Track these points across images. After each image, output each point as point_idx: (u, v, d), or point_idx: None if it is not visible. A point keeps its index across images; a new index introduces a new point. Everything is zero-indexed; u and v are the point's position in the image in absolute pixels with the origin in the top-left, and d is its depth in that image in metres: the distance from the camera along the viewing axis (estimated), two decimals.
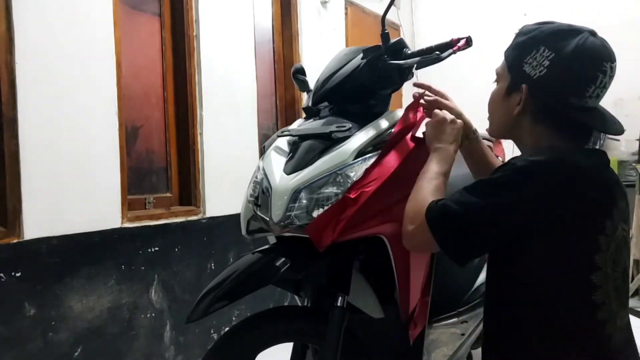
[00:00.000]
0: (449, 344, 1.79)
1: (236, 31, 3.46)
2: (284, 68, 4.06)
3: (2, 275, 2.18)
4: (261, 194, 1.49)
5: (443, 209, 1.18)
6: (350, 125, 1.50)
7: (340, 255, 1.49)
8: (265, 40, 3.91)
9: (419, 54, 1.57)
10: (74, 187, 2.45)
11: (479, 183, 1.19)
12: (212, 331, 3.16)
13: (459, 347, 1.81)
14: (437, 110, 1.48)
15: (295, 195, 1.42)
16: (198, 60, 3.18)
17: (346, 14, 4.68)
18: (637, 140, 4.62)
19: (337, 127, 1.49)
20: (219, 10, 3.32)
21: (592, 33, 1.19)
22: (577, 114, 1.18)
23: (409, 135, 1.53)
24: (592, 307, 1.12)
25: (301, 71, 1.77)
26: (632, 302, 4.01)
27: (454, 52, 1.51)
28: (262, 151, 1.62)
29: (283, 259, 1.43)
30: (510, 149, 1.67)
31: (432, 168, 1.34)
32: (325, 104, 1.64)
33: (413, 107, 1.58)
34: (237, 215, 1.63)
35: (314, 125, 1.56)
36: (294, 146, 1.52)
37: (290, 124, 1.76)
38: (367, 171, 1.43)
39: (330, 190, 1.42)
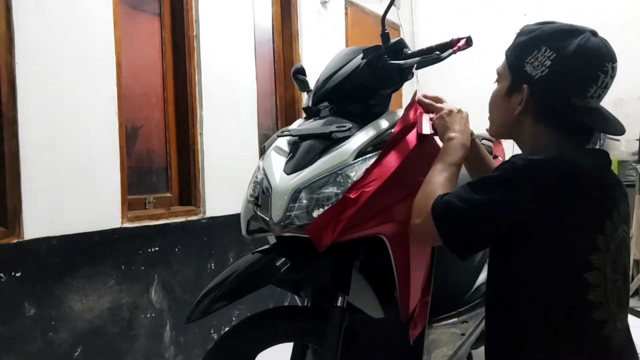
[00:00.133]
0: (449, 344, 1.79)
1: (236, 31, 3.46)
2: (284, 68, 4.06)
3: (2, 275, 2.18)
4: (261, 194, 1.49)
5: (447, 205, 1.20)
6: (351, 125, 1.50)
7: (340, 255, 1.49)
8: (265, 40, 3.91)
9: (419, 54, 1.57)
10: (74, 187, 2.45)
11: (482, 180, 1.20)
12: (212, 331, 3.16)
13: (459, 347, 1.81)
14: (440, 105, 1.49)
15: (295, 195, 1.42)
16: (198, 60, 3.18)
17: (346, 14, 4.68)
18: (637, 140, 4.62)
19: (337, 127, 1.49)
20: (219, 10, 3.32)
21: (594, 33, 1.19)
22: (578, 115, 1.18)
23: (410, 135, 1.53)
24: (588, 306, 1.12)
25: (301, 71, 1.77)
26: (632, 302, 4.01)
27: (454, 52, 1.51)
28: (262, 151, 1.62)
29: (283, 259, 1.43)
30: (510, 149, 1.67)
31: (444, 159, 1.36)
32: (326, 104, 1.64)
33: (411, 107, 1.58)
34: (237, 215, 1.63)
35: (314, 125, 1.56)
36: (294, 146, 1.52)
37: (290, 124, 1.76)
38: (368, 171, 1.43)
39: (331, 190, 1.42)
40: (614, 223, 1.15)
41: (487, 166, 1.60)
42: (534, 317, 1.15)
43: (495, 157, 2.15)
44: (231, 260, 3.26)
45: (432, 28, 5.44)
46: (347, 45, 4.48)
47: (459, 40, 1.50)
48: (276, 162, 1.50)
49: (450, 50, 1.50)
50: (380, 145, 1.49)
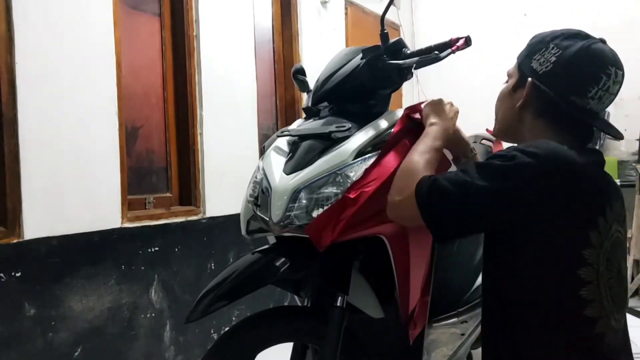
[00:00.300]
0: (449, 344, 1.79)
1: (236, 31, 3.46)
2: (284, 68, 4.06)
3: (2, 275, 2.18)
4: (261, 194, 1.49)
5: (434, 184, 1.19)
6: (350, 125, 1.50)
7: (340, 255, 1.49)
8: (265, 40, 3.91)
9: (418, 53, 1.58)
10: (74, 187, 2.45)
11: (474, 166, 1.19)
12: (212, 331, 3.16)
13: (459, 347, 1.81)
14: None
15: (295, 195, 1.42)
16: (198, 60, 3.18)
17: (346, 14, 4.68)
18: (637, 140, 4.62)
19: (336, 127, 1.49)
20: (219, 10, 3.32)
21: (603, 41, 1.23)
22: (577, 113, 1.20)
23: (409, 135, 1.53)
24: (580, 302, 1.12)
25: (301, 71, 1.77)
26: (632, 302, 4.01)
27: (453, 52, 1.51)
28: (262, 151, 1.62)
29: (283, 259, 1.43)
30: None
31: (426, 142, 1.36)
32: (325, 104, 1.64)
33: (412, 109, 1.59)
34: (237, 215, 1.63)
35: (313, 125, 1.56)
36: (293, 146, 1.52)
37: (290, 124, 1.76)
38: (367, 171, 1.43)
39: (330, 190, 1.42)
40: (607, 221, 1.15)
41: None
42: (528, 314, 1.15)
43: None
44: (231, 260, 3.26)
45: (432, 28, 5.44)
46: (347, 45, 4.48)
47: (457, 39, 1.50)
48: (276, 162, 1.50)
49: (449, 50, 1.51)
50: (379, 145, 1.49)
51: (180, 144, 3.16)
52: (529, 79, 1.24)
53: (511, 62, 1.37)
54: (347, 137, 1.48)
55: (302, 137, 1.52)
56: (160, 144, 3.11)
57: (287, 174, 1.45)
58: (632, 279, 4.09)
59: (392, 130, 1.52)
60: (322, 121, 1.57)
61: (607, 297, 1.14)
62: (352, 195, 1.39)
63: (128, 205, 2.73)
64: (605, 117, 4.90)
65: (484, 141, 2.08)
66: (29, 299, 2.26)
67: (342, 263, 1.51)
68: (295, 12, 4.06)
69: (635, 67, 4.74)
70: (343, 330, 1.46)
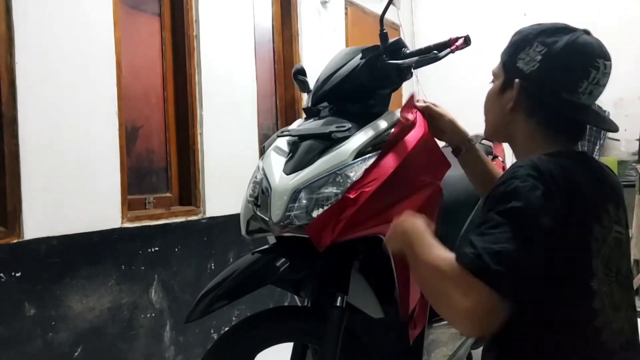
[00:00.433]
0: (449, 344, 1.79)
1: (236, 31, 3.46)
2: (284, 68, 4.06)
3: (2, 275, 2.18)
4: (261, 194, 1.49)
5: (487, 253, 1.01)
6: (350, 126, 1.50)
7: (340, 255, 1.49)
8: (265, 40, 3.91)
9: (418, 53, 1.58)
10: (74, 187, 2.45)
11: (496, 217, 1.07)
12: (212, 331, 3.16)
13: (459, 347, 1.81)
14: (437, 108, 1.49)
15: (294, 195, 1.42)
16: (198, 60, 3.18)
17: (346, 14, 4.68)
18: (637, 140, 4.62)
19: (336, 127, 1.49)
20: (219, 10, 3.32)
21: (587, 32, 1.19)
22: (568, 110, 1.18)
23: (409, 136, 1.53)
24: (591, 313, 1.10)
25: (302, 72, 1.77)
26: None
27: (452, 52, 1.51)
28: (262, 151, 1.62)
29: (283, 259, 1.44)
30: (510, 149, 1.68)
31: (415, 249, 1.16)
32: (325, 104, 1.64)
33: (408, 107, 1.59)
34: (237, 215, 1.63)
35: (313, 126, 1.56)
36: (293, 146, 1.52)
37: (290, 124, 1.76)
38: (367, 171, 1.43)
39: (330, 190, 1.42)
40: (603, 228, 1.13)
41: (491, 174, 1.60)
42: (528, 315, 1.13)
43: (495, 157, 2.15)
44: (231, 260, 3.26)
45: (432, 28, 5.44)
46: (347, 45, 4.48)
47: (457, 39, 1.50)
48: (276, 162, 1.50)
49: (448, 50, 1.51)
50: (379, 145, 1.49)
51: (180, 144, 3.16)
52: (517, 80, 1.21)
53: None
54: (347, 137, 1.48)
55: (302, 137, 1.52)
56: (160, 144, 3.11)
57: (287, 174, 1.45)
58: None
59: (392, 130, 1.52)
60: (322, 121, 1.57)
61: (608, 303, 1.12)
62: (352, 196, 1.39)
63: (128, 205, 2.73)
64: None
65: (484, 141, 2.08)
66: (29, 299, 2.26)
67: (342, 263, 1.51)
68: (295, 12, 4.06)
69: (635, 67, 4.76)
70: (343, 330, 1.46)
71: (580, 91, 1.16)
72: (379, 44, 1.60)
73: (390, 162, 1.46)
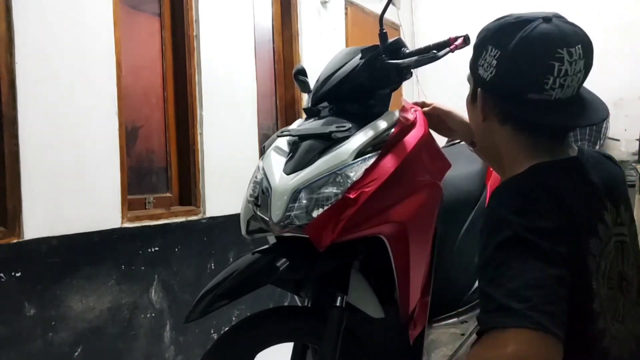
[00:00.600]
0: (449, 344, 1.79)
1: (236, 31, 3.46)
2: (284, 68, 4.06)
3: (2, 275, 2.18)
4: (261, 194, 1.49)
5: (502, 301, 0.91)
6: (350, 126, 1.50)
7: (340, 255, 1.49)
8: (265, 40, 3.91)
9: (417, 53, 1.58)
10: (74, 187, 2.45)
11: (496, 252, 0.98)
12: (212, 331, 3.16)
13: (459, 347, 1.81)
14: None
15: (295, 195, 1.42)
16: (198, 60, 3.18)
17: (346, 14, 4.68)
18: (637, 140, 4.62)
19: (336, 127, 1.49)
20: (219, 10, 3.32)
21: (546, 19, 1.05)
22: (538, 112, 1.06)
23: (409, 136, 1.53)
24: (595, 335, 1.03)
25: (302, 72, 1.77)
26: None
27: (451, 51, 1.51)
28: (262, 151, 1.62)
29: (283, 259, 1.43)
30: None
31: None
32: (325, 104, 1.64)
33: (407, 108, 1.60)
34: (237, 215, 1.63)
35: (313, 125, 1.56)
36: (293, 146, 1.52)
37: (290, 124, 1.76)
38: (367, 171, 1.43)
39: (330, 190, 1.42)
40: (601, 239, 1.04)
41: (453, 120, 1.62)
42: None
43: None
44: (231, 260, 3.26)
45: (432, 28, 5.44)
46: (347, 45, 4.48)
47: (456, 39, 1.50)
48: (276, 162, 1.50)
49: (447, 49, 1.51)
50: (379, 145, 1.49)
51: (180, 144, 3.16)
52: (479, 89, 1.13)
53: None
54: (347, 137, 1.48)
55: (302, 137, 1.52)
56: (160, 144, 3.11)
57: (287, 174, 1.45)
58: None
59: (392, 130, 1.52)
60: (322, 121, 1.57)
61: (613, 317, 1.05)
62: (352, 196, 1.39)
63: (128, 205, 2.73)
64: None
65: None
66: (29, 299, 2.26)
67: (341, 263, 1.51)
68: (295, 12, 4.06)
69: (635, 67, 4.76)
70: (343, 330, 1.46)
71: (548, 87, 1.04)
72: (379, 43, 1.60)
73: (390, 162, 1.46)
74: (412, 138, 1.53)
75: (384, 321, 1.59)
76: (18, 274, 2.23)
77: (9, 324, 2.20)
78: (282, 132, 1.59)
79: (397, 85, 1.66)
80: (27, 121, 2.27)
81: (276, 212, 1.42)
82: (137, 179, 2.93)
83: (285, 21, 4.06)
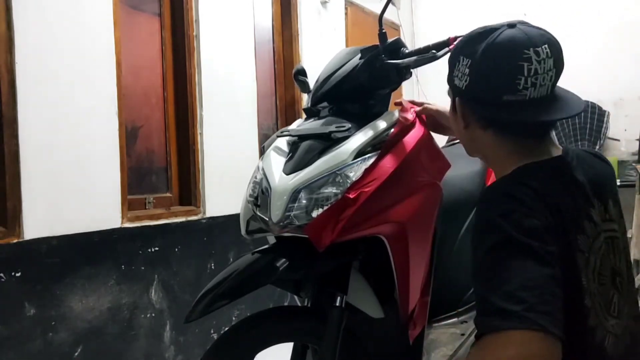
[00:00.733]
0: (449, 344, 1.79)
1: (236, 31, 3.46)
2: (284, 68, 4.06)
3: (2, 275, 2.18)
4: (261, 194, 1.49)
5: (497, 303, 0.93)
6: (350, 126, 1.50)
7: (340, 255, 1.49)
8: (265, 40, 3.91)
9: (416, 53, 1.58)
10: (74, 187, 2.45)
11: (488, 256, 1.01)
12: (212, 331, 3.16)
13: (459, 347, 1.81)
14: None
15: (294, 195, 1.42)
16: (198, 60, 3.18)
17: (346, 14, 4.68)
18: (637, 140, 4.62)
19: (336, 127, 1.49)
20: (219, 10, 3.32)
21: (511, 25, 1.11)
22: (513, 112, 1.10)
23: (408, 136, 1.53)
24: (588, 332, 1.05)
25: (302, 72, 1.77)
26: None
27: (451, 51, 1.51)
28: (262, 151, 1.62)
29: (282, 259, 1.44)
30: None
31: None
32: (325, 104, 1.64)
33: (407, 108, 1.61)
34: (237, 215, 1.63)
35: (313, 126, 1.56)
36: (293, 146, 1.52)
37: (290, 124, 1.76)
38: (367, 171, 1.43)
39: (330, 190, 1.42)
40: (588, 236, 1.07)
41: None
42: None
43: None
44: (231, 260, 3.26)
45: (432, 28, 5.44)
46: (347, 45, 4.48)
47: (455, 38, 1.50)
48: (275, 162, 1.50)
49: (447, 49, 1.51)
50: (379, 145, 1.50)
51: (180, 144, 3.17)
52: (457, 99, 1.18)
53: None
54: (346, 137, 1.48)
55: (302, 137, 1.52)
56: (160, 144, 3.11)
57: (287, 174, 1.45)
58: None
59: (392, 130, 1.52)
60: (321, 121, 1.57)
61: (606, 312, 1.07)
62: (351, 196, 1.39)
63: (128, 205, 2.73)
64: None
65: None
66: (29, 299, 2.26)
67: (341, 263, 1.51)
68: (295, 12, 4.06)
69: (635, 67, 4.76)
70: (342, 330, 1.46)
71: (521, 88, 1.08)
72: (378, 43, 1.60)
73: (390, 162, 1.46)
74: (411, 138, 1.53)
75: (383, 321, 1.59)
76: (18, 274, 2.23)
77: (9, 324, 2.20)
78: (281, 132, 1.59)
79: (397, 85, 1.66)
80: (27, 121, 2.27)
81: (276, 212, 1.42)
82: (137, 179, 2.93)
83: (285, 21, 4.06)
